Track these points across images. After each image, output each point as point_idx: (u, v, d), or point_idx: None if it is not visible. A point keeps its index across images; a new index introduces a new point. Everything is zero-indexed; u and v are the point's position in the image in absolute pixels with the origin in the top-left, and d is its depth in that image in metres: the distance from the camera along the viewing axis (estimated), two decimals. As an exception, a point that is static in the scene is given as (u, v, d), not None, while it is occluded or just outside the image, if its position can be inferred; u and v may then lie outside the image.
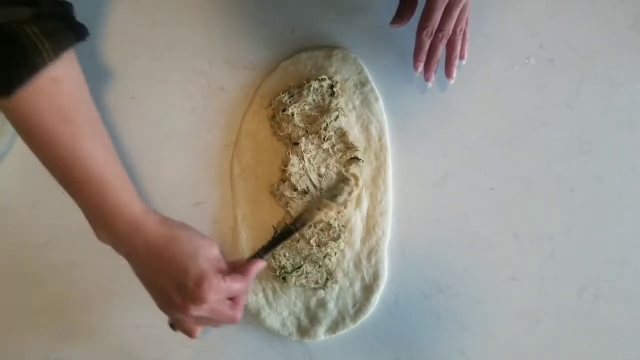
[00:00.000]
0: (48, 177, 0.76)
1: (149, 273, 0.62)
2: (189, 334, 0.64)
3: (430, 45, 0.69)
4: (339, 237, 0.73)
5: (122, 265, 0.76)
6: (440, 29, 0.67)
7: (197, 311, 0.59)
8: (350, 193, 0.72)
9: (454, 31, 0.69)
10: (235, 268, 0.65)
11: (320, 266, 0.73)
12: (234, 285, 0.62)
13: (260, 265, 0.66)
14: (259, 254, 0.69)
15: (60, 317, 0.76)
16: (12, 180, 0.76)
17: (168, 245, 0.60)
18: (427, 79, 0.73)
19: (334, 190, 0.73)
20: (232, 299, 0.63)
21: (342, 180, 0.73)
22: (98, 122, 0.60)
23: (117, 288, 0.76)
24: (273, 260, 0.73)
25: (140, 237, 0.60)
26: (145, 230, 0.60)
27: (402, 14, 0.70)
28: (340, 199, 0.72)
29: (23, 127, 0.57)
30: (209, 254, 0.62)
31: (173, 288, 0.60)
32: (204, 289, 0.58)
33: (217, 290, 0.59)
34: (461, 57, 0.72)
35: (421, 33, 0.68)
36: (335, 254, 0.73)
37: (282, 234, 0.71)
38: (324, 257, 0.72)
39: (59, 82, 0.55)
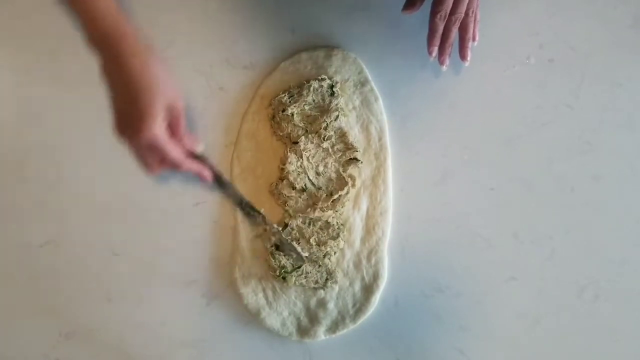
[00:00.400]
0: (49, 177, 0.76)
1: (111, 86, 0.61)
2: (120, 139, 0.63)
3: (444, 29, 0.70)
4: (337, 235, 0.73)
5: (121, 266, 0.76)
6: (452, 12, 0.68)
7: (123, 139, 0.61)
8: (288, 253, 0.73)
9: (466, 13, 0.69)
10: (190, 144, 0.65)
11: (320, 266, 0.73)
12: (172, 151, 0.62)
13: (205, 174, 0.67)
14: (212, 168, 0.68)
15: (60, 317, 0.76)
16: (13, 180, 0.76)
17: (138, 68, 0.60)
18: (441, 62, 0.73)
19: (285, 247, 0.73)
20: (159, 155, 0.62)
21: (296, 247, 0.73)
22: None
23: (117, 288, 0.76)
24: (273, 260, 0.73)
25: (118, 48, 0.60)
26: (125, 43, 0.60)
27: (413, 1, 0.71)
28: (285, 251, 0.72)
29: None
30: (170, 102, 0.62)
31: (121, 109, 0.61)
32: (141, 126, 0.59)
33: (152, 138, 0.60)
34: (473, 39, 0.73)
35: (434, 17, 0.69)
36: (334, 253, 0.73)
37: (236, 196, 0.70)
38: (324, 256, 0.72)
39: None
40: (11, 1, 0.78)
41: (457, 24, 0.70)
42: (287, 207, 0.74)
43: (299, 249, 0.72)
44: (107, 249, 0.76)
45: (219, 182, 0.69)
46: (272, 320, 0.74)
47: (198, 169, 0.66)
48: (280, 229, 0.72)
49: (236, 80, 0.77)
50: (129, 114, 0.60)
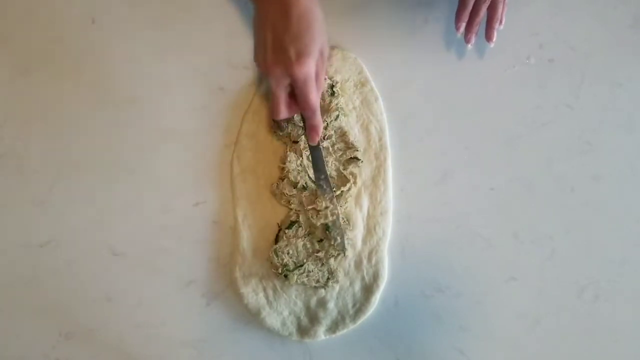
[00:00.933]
0: (48, 177, 0.76)
1: (268, 21, 0.63)
2: (266, 71, 0.64)
3: (474, 7, 0.72)
4: (344, 250, 0.73)
5: (121, 266, 0.76)
6: None
7: (270, 74, 0.63)
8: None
9: None
10: (322, 90, 0.68)
11: (322, 265, 0.73)
12: (312, 95, 0.64)
13: (319, 129, 0.68)
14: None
15: (60, 317, 0.76)
16: (12, 180, 0.76)
17: (302, 10, 0.62)
18: (467, 40, 0.74)
19: (338, 232, 0.73)
20: (294, 100, 0.65)
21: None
22: None
23: (117, 288, 0.76)
24: (276, 257, 0.73)
25: None
26: None
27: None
28: (334, 233, 0.73)
29: None
30: (323, 46, 0.64)
31: (275, 43, 0.62)
32: (299, 63, 0.61)
33: (305, 77, 0.62)
34: (500, 22, 0.74)
35: None
36: (338, 254, 0.73)
37: (325, 178, 0.72)
38: (329, 256, 0.72)
39: None
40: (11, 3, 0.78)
41: (487, 3, 0.71)
42: (291, 206, 0.74)
43: (345, 236, 0.73)
44: (107, 249, 0.76)
45: (317, 148, 0.71)
46: (273, 319, 0.74)
47: (320, 122, 0.68)
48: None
49: (236, 80, 0.76)
50: (287, 50, 0.61)
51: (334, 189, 0.73)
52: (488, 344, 0.75)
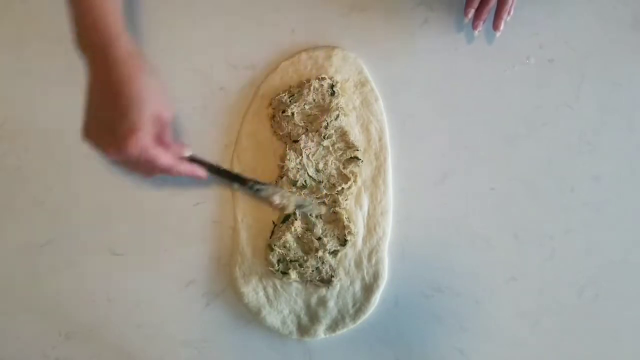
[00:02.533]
0: (48, 177, 0.76)
1: (95, 97, 0.61)
2: (102, 153, 0.63)
3: None
4: (345, 242, 0.73)
5: (121, 266, 0.76)
6: None
7: (114, 155, 0.60)
8: (316, 216, 0.73)
9: None
10: (178, 150, 0.65)
11: (323, 262, 0.73)
12: (161, 158, 0.62)
13: (199, 173, 0.68)
14: (205, 165, 0.69)
15: (60, 317, 0.76)
16: (14, 180, 0.77)
17: (124, 80, 0.59)
18: (475, 27, 0.74)
19: (306, 202, 0.73)
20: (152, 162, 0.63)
21: (318, 200, 0.73)
22: None
23: (117, 288, 0.76)
24: (270, 252, 0.73)
25: (106, 58, 0.59)
26: (113, 54, 0.59)
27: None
28: (306, 209, 0.73)
29: None
30: (159, 113, 0.61)
31: (105, 122, 0.60)
32: (130, 142, 0.58)
33: (142, 150, 0.59)
34: (509, 13, 0.74)
35: None
36: (336, 250, 0.73)
37: (237, 177, 0.72)
38: (328, 251, 0.72)
39: None
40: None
41: None
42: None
43: (315, 202, 0.73)
44: (107, 249, 0.76)
45: (217, 173, 0.70)
46: (273, 318, 0.74)
47: (190, 170, 0.67)
48: (295, 190, 0.73)
49: (236, 80, 0.77)
50: (115, 127, 0.59)
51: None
52: (488, 344, 0.75)
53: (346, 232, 0.73)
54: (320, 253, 0.72)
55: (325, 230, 0.73)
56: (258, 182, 0.72)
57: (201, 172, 0.69)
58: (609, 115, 0.76)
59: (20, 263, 0.76)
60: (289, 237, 0.73)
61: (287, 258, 0.73)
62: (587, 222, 0.75)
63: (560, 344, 0.75)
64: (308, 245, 0.73)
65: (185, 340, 0.76)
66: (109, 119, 0.59)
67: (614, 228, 0.75)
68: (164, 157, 0.62)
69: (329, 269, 0.73)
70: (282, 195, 0.72)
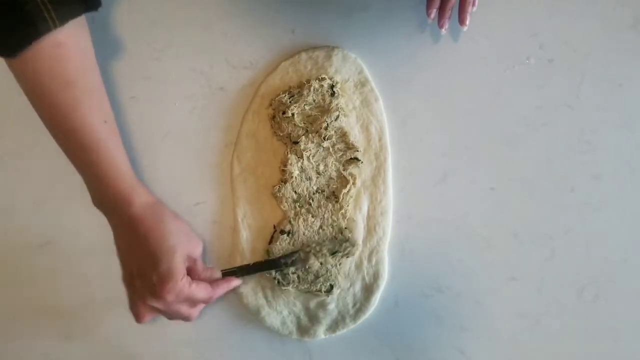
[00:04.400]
0: (48, 177, 0.76)
1: (124, 250, 0.63)
2: (137, 317, 0.65)
3: None
4: (348, 254, 0.73)
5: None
6: None
7: (152, 303, 0.61)
8: (348, 255, 0.73)
9: None
10: (209, 276, 0.66)
11: (324, 273, 0.73)
12: (199, 294, 0.63)
13: (234, 283, 0.69)
14: (236, 272, 0.71)
15: (60, 317, 0.76)
16: (12, 180, 0.77)
17: (148, 233, 0.61)
18: (440, 25, 0.72)
19: (336, 246, 0.73)
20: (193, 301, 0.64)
21: (346, 239, 0.73)
22: (100, 91, 0.62)
23: (117, 288, 0.76)
24: (268, 257, 0.73)
25: (125, 214, 0.61)
26: (132, 210, 0.61)
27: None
28: (338, 256, 0.72)
29: (27, 89, 0.59)
30: (188, 254, 0.63)
31: (139, 274, 0.61)
32: (166, 288, 0.60)
33: (179, 294, 0.61)
34: (473, 4, 0.72)
35: None
36: (341, 262, 0.73)
37: (268, 263, 0.72)
38: (336, 264, 0.73)
39: (62, 47, 0.57)
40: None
41: None
42: (288, 214, 0.74)
43: (345, 245, 0.73)
44: (107, 249, 0.76)
45: (248, 271, 0.71)
46: (272, 319, 0.74)
47: (226, 288, 0.68)
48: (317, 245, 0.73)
49: (236, 80, 0.77)
50: (149, 278, 0.60)
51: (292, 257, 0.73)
52: (488, 344, 0.75)
53: (349, 248, 0.73)
54: (322, 269, 0.72)
55: (325, 242, 0.73)
56: (286, 256, 0.72)
57: (236, 282, 0.70)
58: (609, 115, 0.76)
59: (20, 263, 0.76)
60: (287, 249, 0.73)
61: (285, 272, 0.72)
62: (587, 222, 0.75)
63: (560, 344, 0.75)
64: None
65: (185, 340, 0.76)
66: (142, 271, 0.61)
67: (614, 228, 0.75)
68: (201, 292, 0.64)
69: (331, 278, 0.73)
70: (315, 255, 0.72)
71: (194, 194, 0.76)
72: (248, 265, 0.72)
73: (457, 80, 0.76)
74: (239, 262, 0.75)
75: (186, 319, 0.66)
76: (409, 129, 0.76)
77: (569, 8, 0.76)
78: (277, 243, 0.73)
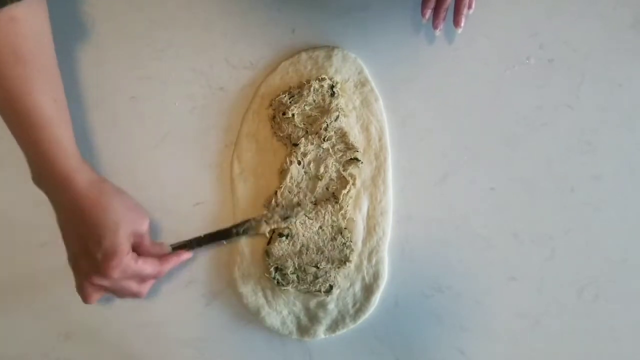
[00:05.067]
0: (48, 177, 0.76)
1: (67, 229, 0.61)
2: (85, 298, 0.64)
3: None
4: (347, 259, 0.73)
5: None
6: None
7: (99, 281, 0.60)
8: (298, 217, 0.73)
9: None
10: (158, 251, 0.66)
11: (323, 275, 0.72)
12: (146, 269, 0.63)
13: (184, 256, 0.69)
14: (187, 244, 0.71)
15: (60, 317, 0.76)
16: (12, 180, 0.76)
17: (91, 209, 0.60)
18: (435, 26, 0.72)
19: (289, 211, 0.73)
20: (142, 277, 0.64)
21: (300, 204, 0.73)
22: (53, 70, 0.60)
23: (117, 288, 0.76)
24: (267, 258, 0.73)
25: (67, 192, 0.60)
26: (73, 187, 0.60)
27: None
28: (291, 220, 0.73)
29: None
30: (133, 230, 0.62)
31: (83, 253, 0.60)
32: (111, 265, 0.59)
33: (125, 270, 0.60)
34: (469, 7, 0.72)
35: None
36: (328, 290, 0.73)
37: (220, 234, 0.72)
38: (334, 267, 0.73)
39: (18, 22, 0.56)
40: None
41: None
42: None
43: (299, 207, 0.73)
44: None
45: (200, 244, 0.72)
46: (272, 319, 0.74)
47: (176, 262, 0.68)
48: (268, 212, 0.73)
49: (236, 80, 0.76)
50: (93, 256, 0.59)
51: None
52: (488, 344, 0.75)
53: (348, 251, 0.72)
54: (320, 270, 0.72)
55: (325, 245, 0.73)
56: (238, 225, 0.73)
57: (186, 255, 0.70)
58: (609, 115, 0.76)
59: (20, 263, 0.76)
60: (286, 251, 0.73)
61: (284, 272, 0.72)
62: (587, 222, 0.75)
63: (560, 343, 0.75)
64: (306, 259, 0.73)
65: (185, 340, 0.76)
66: (85, 249, 0.60)
67: (614, 228, 0.75)
68: (149, 267, 0.63)
69: (327, 285, 0.73)
70: (267, 222, 0.73)
71: (194, 194, 0.76)
72: (199, 237, 0.72)
73: (457, 80, 0.76)
74: (238, 261, 0.75)
75: (136, 295, 0.65)
76: (409, 129, 0.76)
77: (569, 8, 0.76)
78: (276, 244, 0.73)
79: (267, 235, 0.73)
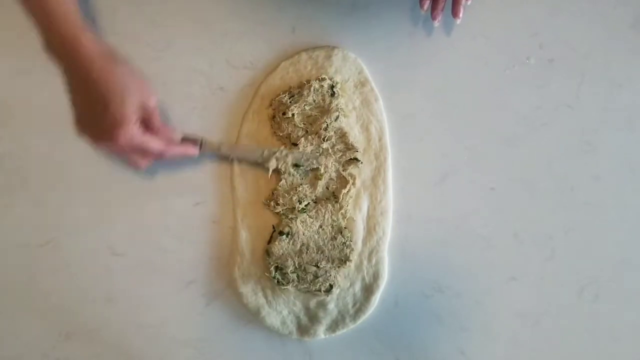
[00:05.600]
0: (48, 177, 0.76)
1: (75, 94, 0.62)
2: (94, 146, 0.65)
3: None
4: (347, 259, 0.73)
5: (121, 266, 0.76)
6: None
7: (103, 146, 0.63)
8: (307, 164, 0.73)
9: None
10: (167, 134, 0.67)
11: (323, 274, 0.72)
12: (151, 144, 0.64)
13: (190, 151, 0.70)
14: (196, 142, 0.72)
15: (60, 317, 0.76)
16: (13, 181, 0.76)
17: (100, 73, 0.61)
18: (434, 17, 0.73)
19: (303, 160, 0.73)
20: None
21: (312, 157, 0.73)
22: None
23: (117, 288, 0.76)
24: (268, 258, 0.73)
25: (76, 55, 0.60)
26: (82, 51, 0.60)
27: None
28: (299, 170, 0.73)
29: None
30: (141, 101, 0.63)
31: (90, 117, 0.62)
32: (116, 133, 0.61)
33: (130, 140, 0.62)
34: None
35: None
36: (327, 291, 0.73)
37: (220, 147, 0.73)
38: (341, 264, 0.73)
39: None
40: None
41: None
42: (283, 216, 0.74)
43: (312, 156, 0.73)
44: (107, 248, 0.76)
45: (213, 149, 0.73)
46: (272, 318, 0.74)
47: (182, 150, 0.69)
48: (287, 149, 0.74)
49: (236, 80, 0.76)
50: (101, 121, 0.61)
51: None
52: (488, 344, 0.75)
53: (348, 251, 0.73)
54: (320, 270, 0.72)
55: (325, 244, 0.73)
56: (256, 150, 0.74)
57: (192, 149, 0.71)
58: (609, 115, 0.76)
59: (20, 263, 0.76)
60: (286, 250, 0.73)
61: (284, 271, 0.72)
62: (587, 222, 0.76)
63: (560, 343, 0.75)
64: (307, 258, 0.73)
65: (185, 340, 0.76)
66: (94, 115, 0.61)
67: (614, 228, 0.75)
68: (154, 143, 0.65)
69: (327, 284, 0.73)
70: (277, 158, 0.73)
71: (194, 194, 0.76)
72: (210, 141, 0.73)
73: (457, 80, 0.76)
74: (238, 261, 0.75)
75: (135, 166, 0.67)
76: (409, 129, 0.76)
77: (569, 8, 0.76)
78: (277, 243, 0.73)
79: (270, 171, 0.73)
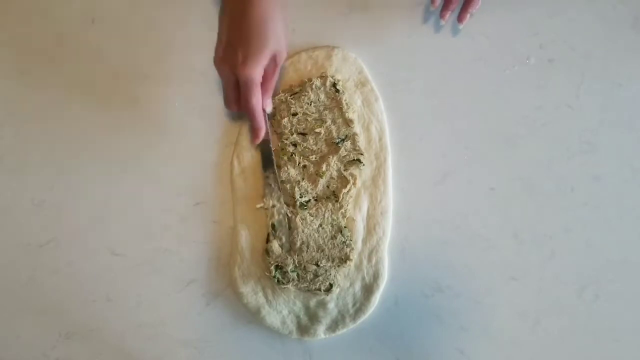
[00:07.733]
0: (48, 177, 0.76)
1: (226, 17, 0.66)
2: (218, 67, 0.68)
3: None
4: (347, 258, 0.73)
5: (121, 266, 0.76)
6: None
7: (219, 71, 0.67)
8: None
9: None
10: (265, 99, 0.69)
11: (323, 273, 0.73)
12: (254, 96, 0.66)
13: (261, 132, 0.71)
14: (267, 132, 0.72)
15: (60, 317, 0.76)
16: (12, 180, 0.77)
17: (260, 15, 0.64)
18: (442, 16, 0.75)
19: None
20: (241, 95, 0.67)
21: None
22: None
23: (117, 288, 0.76)
24: (267, 257, 0.73)
25: None
26: None
27: None
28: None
29: None
30: (276, 52, 0.66)
31: (231, 40, 0.65)
32: (244, 66, 0.64)
33: (248, 81, 0.65)
34: (475, 6, 0.74)
35: None
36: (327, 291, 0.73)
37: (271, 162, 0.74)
38: (340, 263, 0.73)
39: None
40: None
41: None
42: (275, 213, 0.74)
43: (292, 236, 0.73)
44: (107, 249, 0.76)
45: (266, 144, 0.73)
46: (272, 318, 0.74)
47: (261, 125, 0.70)
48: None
49: (236, 80, 0.76)
50: (236, 50, 0.64)
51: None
52: (488, 344, 0.75)
53: (348, 250, 0.73)
54: (320, 268, 0.72)
55: (326, 243, 0.73)
56: (275, 179, 0.74)
57: (262, 135, 0.71)
58: (609, 115, 0.76)
59: (20, 263, 0.76)
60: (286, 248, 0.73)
61: (284, 270, 0.73)
62: (587, 222, 0.75)
63: (560, 343, 0.75)
64: (307, 257, 0.73)
65: (185, 340, 0.76)
66: (234, 44, 0.65)
67: (614, 228, 0.75)
68: (256, 97, 0.67)
69: (327, 283, 0.73)
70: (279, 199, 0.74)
71: (194, 194, 0.76)
72: (269, 143, 0.74)
73: (457, 81, 0.76)
74: (238, 261, 0.75)
75: (228, 104, 0.69)
76: (409, 129, 0.76)
77: (569, 8, 0.76)
78: (276, 242, 0.73)
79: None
